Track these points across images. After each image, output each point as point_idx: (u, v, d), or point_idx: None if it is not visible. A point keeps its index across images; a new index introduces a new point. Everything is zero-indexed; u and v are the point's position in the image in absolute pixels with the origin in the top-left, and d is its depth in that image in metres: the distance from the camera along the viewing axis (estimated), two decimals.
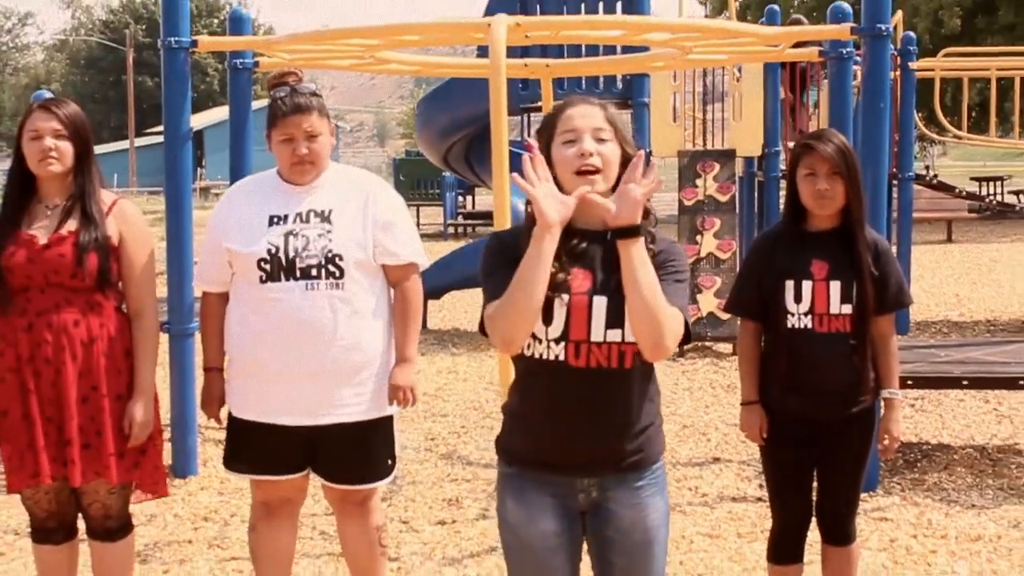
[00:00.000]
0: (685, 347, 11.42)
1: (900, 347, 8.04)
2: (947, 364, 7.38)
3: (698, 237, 11.50)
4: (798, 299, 4.18)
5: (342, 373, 4.21)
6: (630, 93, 12.38)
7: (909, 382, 6.88)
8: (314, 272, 4.16)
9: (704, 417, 8.60)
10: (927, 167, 44.45)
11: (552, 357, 3.12)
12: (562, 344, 3.11)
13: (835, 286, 4.16)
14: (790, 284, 4.19)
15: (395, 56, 7.38)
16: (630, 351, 3.12)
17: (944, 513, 6.24)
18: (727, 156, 12.00)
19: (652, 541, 3.24)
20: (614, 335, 3.11)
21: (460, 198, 29.76)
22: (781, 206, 15.22)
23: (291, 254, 4.16)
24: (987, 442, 7.76)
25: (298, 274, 4.15)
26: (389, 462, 4.42)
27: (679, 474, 7.00)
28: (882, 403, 4.35)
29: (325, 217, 4.22)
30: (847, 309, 4.16)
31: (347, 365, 4.21)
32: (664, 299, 3.04)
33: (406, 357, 4.33)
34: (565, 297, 3.11)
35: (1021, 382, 6.98)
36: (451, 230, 27.61)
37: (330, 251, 4.17)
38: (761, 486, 6.62)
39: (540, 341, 3.13)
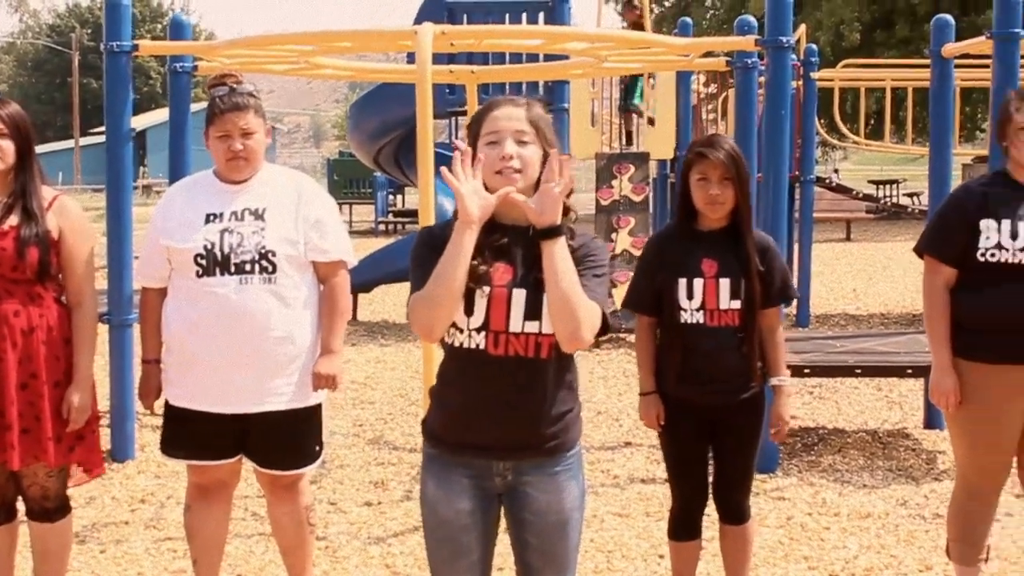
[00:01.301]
0: (601, 338, 11.46)
1: (799, 338, 8.18)
2: (842, 354, 7.50)
3: (613, 235, 11.57)
4: (690, 295, 4.20)
5: (273, 364, 4.19)
6: (551, 99, 12.39)
7: (807, 371, 7.00)
8: (248, 267, 4.14)
9: (617, 404, 8.66)
10: (835, 171, 45.04)
11: (473, 345, 3.14)
12: (482, 334, 3.13)
13: (724, 283, 4.18)
14: (683, 281, 4.21)
15: (329, 62, 7.36)
16: (547, 342, 3.13)
17: (838, 493, 6.34)
18: (641, 159, 12.07)
19: (566, 523, 3.28)
20: (532, 326, 3.12)
21: (391, 197, 29.67)
22: None
23: (226, 250, 4.14)
24: (879, 427, 7.89)
25: (232, 269, 4.13)
26: (317, 448, 4.41)
27: (592, 457, 7.05)
28: (772, 390, 4.41)
29: (259, 215, 4.20)
30: (736, 304, 4.20)
31: (278, 356, 4.19)
32: (582, 293, 3.03)
33: (331, 349, 4.32)
34: (486, 289, 3.12)
35: (909, 371, 7.12)
36: (382, 227, 27.52)
37: (263, 247, 4.15)
38: None
39: (462, 331, 3.15)
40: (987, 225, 4.20)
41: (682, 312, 4.22)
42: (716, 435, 4.35)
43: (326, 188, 31.12)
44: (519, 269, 3.15)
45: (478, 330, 3.13)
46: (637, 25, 14.50)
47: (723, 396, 4.26)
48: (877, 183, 32.55)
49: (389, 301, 14.21)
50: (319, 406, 4.38)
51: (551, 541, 3.27)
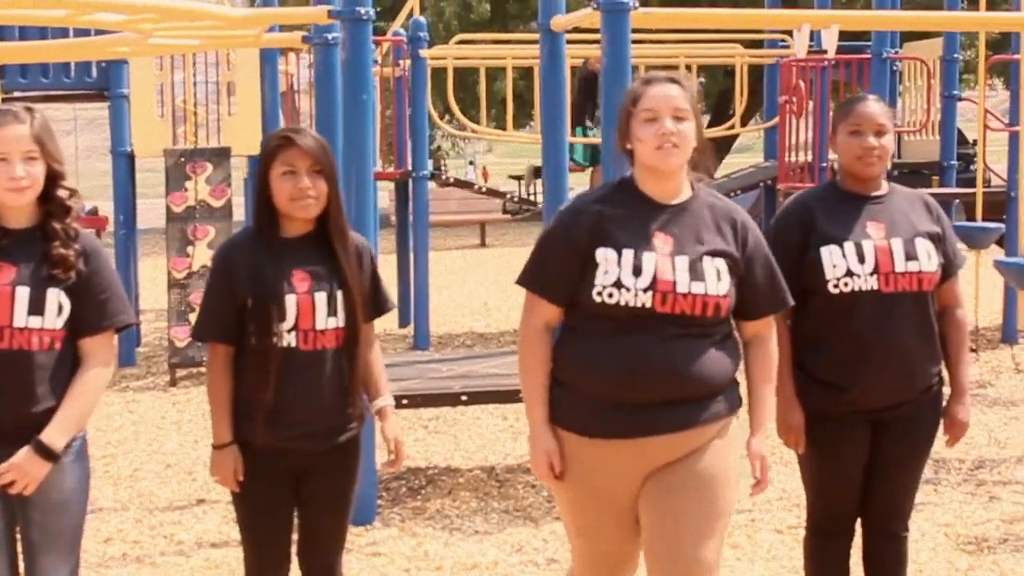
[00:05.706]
0: (178, 375, 11.33)
1: (400, 363, 8.33)
2: (447, 379, 7.67)
3: (189, 248, 11.46)
4: (282, 317, 4.16)
5: None
6: (106, 83, 12.16)
7: (404, 401, 7.01)
8: None
9: (192, 454, 8.57)
10: (471, 163, 46.35)
11: None
12: None
13: (320, 298, 4.19)
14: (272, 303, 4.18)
15: None
16: (58, 336, 3.95)
17: (443, 543, 6.52)
18: (221, 155, 12.01)
19: (66, 503, 4.01)
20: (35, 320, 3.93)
21: None
22: None
23: None
24: (498, 462, 8.16)
25: None
26: None
27: (155, 521, 6.96)
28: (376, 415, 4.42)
29: None
30: (334, 323, 4.21)
31: None
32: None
33: None
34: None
35: (520, 395, 7.25)
36: None
37: None
38: None
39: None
40: (604, 256, 3.98)
41: (275, 336, 4.17)
42: (302, 489, 4.31)
43: None
44: (23, 268, 3.90)
45: None
46: None
47: (316, 440, 4.24)
48: (519, 178, 33.87)
49: None
50: None
51: (54, 518, 3.99)
